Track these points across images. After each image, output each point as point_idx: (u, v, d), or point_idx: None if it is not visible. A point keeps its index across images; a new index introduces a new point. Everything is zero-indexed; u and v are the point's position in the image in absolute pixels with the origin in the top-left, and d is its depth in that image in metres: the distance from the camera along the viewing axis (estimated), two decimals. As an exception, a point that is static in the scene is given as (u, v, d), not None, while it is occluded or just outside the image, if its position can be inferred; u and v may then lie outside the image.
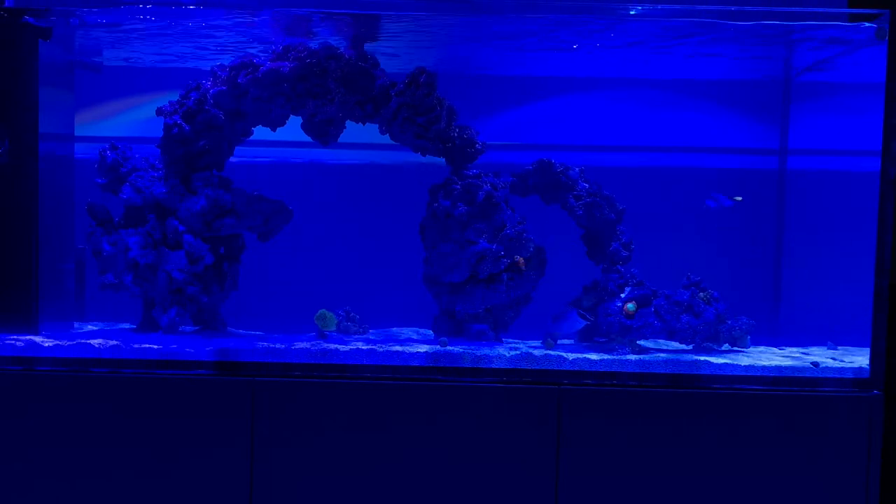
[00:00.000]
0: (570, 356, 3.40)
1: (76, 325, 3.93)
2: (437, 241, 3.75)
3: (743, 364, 3.38)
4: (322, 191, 4.26)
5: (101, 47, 3.98)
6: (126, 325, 3.94)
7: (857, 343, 3.64)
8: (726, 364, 3.38)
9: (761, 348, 3.79)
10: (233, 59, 3.75)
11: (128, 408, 3.25)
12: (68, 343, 3.41)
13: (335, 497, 3.25)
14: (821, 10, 3.45)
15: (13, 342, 3.40)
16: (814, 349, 3.83)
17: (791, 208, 4.27)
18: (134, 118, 4.24)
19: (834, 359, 3.55)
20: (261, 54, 3.77)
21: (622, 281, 3.73)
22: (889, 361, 3.38)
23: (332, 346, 3.49)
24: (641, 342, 3.67)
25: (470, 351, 3.42)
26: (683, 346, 3.71)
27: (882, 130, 3.27)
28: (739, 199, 3.32)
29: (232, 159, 3.90)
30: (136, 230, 3.71)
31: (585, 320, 3.57)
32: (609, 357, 3.41)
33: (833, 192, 4.06)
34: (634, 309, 3.63)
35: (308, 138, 3.81)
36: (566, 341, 3.78)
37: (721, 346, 3.68)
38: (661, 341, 3.80)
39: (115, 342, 3.43)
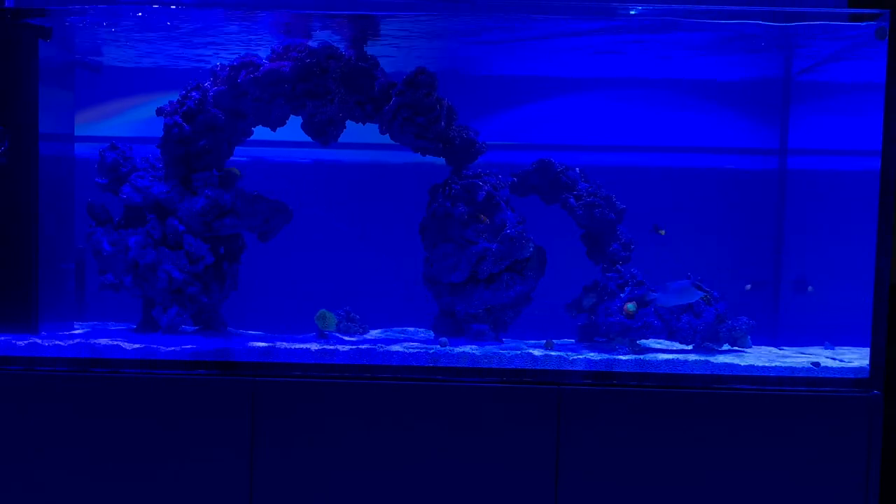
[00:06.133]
0: (571, 356, 3.40)
1: (76, 325, 3.93)
2: (437, 241, 3.75)
3: (743, 364, 3.38)
4: (322, 191, 4.26)
5: (101, 47, 3.98)
6: (126, 325, 3.94)
7: (855, 343, 3.64)
8: (726, 364, 3.38)
9: (761, 348, 3.79)
10: (233, 58, 3.75)
11: (127, 408, 3.25)
12: (68, 343, 3.41)
13: (335, 497, 3.25)
14: (821, 10, 3.45)
15: (13, 342, 3.40)
16: (813, 349, 3.83)
17: (791, 208, 4.27)
18: (134, 118, 4.24)
19: (833, 359, 3.55)
20: (261, 54, 3.77)
21: (622, 281, 3.73)
22: (889, 361, 3.39)
23: (332, 346, 3.49)
24: (641, 342, 3.67)
25: (470, 351, 3.42)
26: (683, 347, 3.71)
27: (882, 130, 3.27)
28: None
29: (232, 159, 3.90)
30: (136, 230, 3.72)
31: (702, 291, 3.48)
32: (609, 357, 3.41)
33: (833, 192, 4.06)
34: (634, 309, 3.62)
35: (308, 138, 3.81)
36: (567, 341, 3.78)
37: (721, 346, 3.68)
38: (661, 341, 3.80)
39: (115, 342, 3.43)
